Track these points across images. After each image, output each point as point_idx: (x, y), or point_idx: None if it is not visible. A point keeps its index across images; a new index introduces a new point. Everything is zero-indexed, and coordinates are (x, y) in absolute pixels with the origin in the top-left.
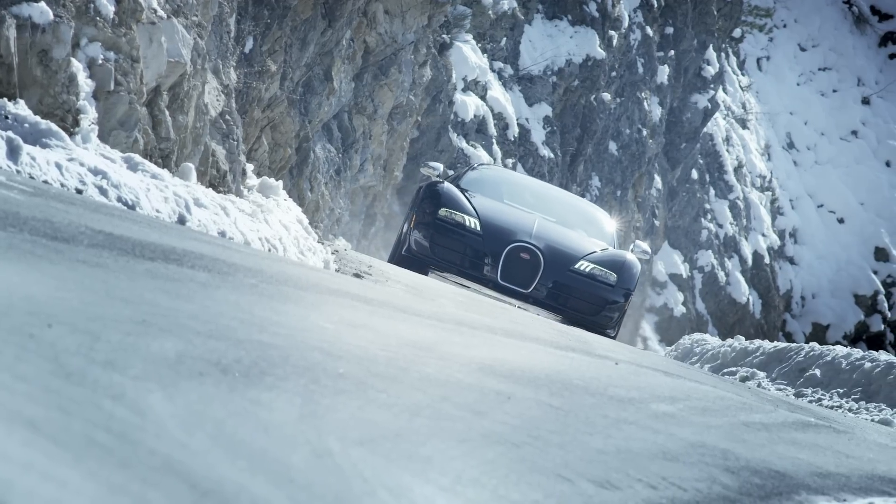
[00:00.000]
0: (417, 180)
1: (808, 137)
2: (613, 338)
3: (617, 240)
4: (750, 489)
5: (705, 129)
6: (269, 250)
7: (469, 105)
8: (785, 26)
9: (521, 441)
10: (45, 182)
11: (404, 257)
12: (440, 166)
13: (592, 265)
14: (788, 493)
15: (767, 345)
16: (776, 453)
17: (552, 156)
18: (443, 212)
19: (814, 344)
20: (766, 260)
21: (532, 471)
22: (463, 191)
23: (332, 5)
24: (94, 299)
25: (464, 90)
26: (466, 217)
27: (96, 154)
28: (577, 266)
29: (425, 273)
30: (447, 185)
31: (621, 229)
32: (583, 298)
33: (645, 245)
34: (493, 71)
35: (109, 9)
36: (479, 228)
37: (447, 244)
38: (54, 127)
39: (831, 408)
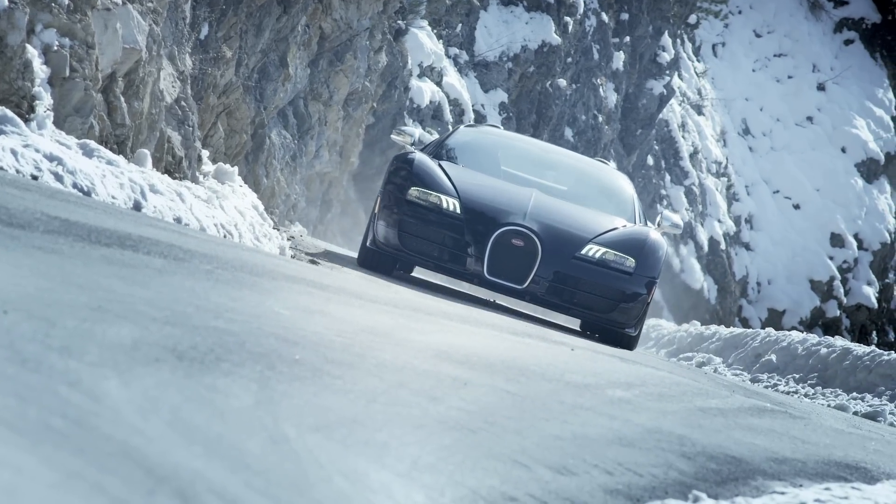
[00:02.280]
0: (375, 165)
1: (764, 123)
2: (635, 337)
3: (640, 213)
4: (706, 475)
5: (661, 116)
6: (225, 236)
7: (425, 91)
8: (740, 12)
9: (478, 427)
10: (1, 168)
11: (369, 251)
12: (416, 131)
13: (604, 249)
14: (744, 478)
15: (724, 330)
16: (732, 439)
17: None
18: (413, 192)
19: (770, 329)
20: (722, 246)
21: (488, 457)
22: (441, 161)
23: None
24: (50, 285)
25: (419, 76)
26: (443, 196)
27: (52, 140)
28: (584, 251)
29: (399, 274)
30: (419, 155)
31: None
32: (593, 292)
33: (676, 217)
34: (449, 57)
35: None
36: (458, 210)
37: (420, 233)
38: (9, 113)
39: (787, 393)
